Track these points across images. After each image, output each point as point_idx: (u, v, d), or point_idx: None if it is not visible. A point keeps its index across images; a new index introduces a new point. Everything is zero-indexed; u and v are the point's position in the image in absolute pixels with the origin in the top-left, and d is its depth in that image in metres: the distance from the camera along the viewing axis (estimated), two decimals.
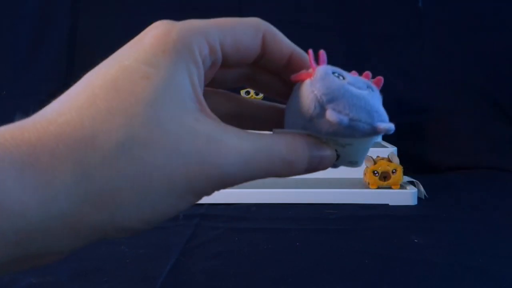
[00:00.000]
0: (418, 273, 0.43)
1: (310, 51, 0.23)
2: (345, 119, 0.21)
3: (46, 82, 0.93)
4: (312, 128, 0.22)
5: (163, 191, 0.19)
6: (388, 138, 0.83)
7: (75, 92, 0.19)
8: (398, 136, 0.88)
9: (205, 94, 0.21)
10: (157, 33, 0.20)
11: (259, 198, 0.66)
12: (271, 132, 0.23)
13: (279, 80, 0.26)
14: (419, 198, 0.67)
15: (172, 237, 0.53)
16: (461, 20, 0.95)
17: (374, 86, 0.23)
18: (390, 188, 0.66)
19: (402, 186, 0.68)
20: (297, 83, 0.23)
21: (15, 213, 0.16)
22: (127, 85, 0.19)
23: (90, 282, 0.42)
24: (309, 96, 0.21)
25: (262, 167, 0.21)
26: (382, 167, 0.66)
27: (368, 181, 0.67)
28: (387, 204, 0.66)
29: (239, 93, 0.59)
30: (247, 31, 0.22)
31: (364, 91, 0.22)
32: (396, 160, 0.66)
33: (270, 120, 0.26)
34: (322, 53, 0.23)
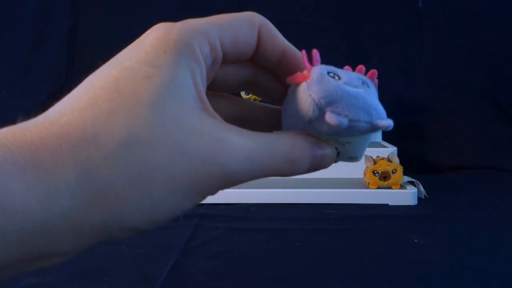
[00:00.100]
0: (418, 273, 0.43)
1: (304, 51, 0.23)
2: (345, 121, 0.21)
3: (46, 82, 0.93)
4: (312, 130, 0.22)
5: (167, 190, 0.18)
6: (388, 138, 0.83)
7: (77, 94, 0.19)
8: (398, 136, 0.89)
9: (208, 97, 0.21)
10: (157, 34, 0.20)
11: (259, 198, 0.66)
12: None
13: (280, 84, 0.26)
14: (419, 198, 0.67)
15: (172, 237, 0.53)
16: (461, 20, 0.96)
17: (369, 81, 0.23)
18: (390, 188, 0.66)
19: (402, 186, 0.68)
20: (293, 85, 0.23)
21: (17, 212, 0.16)
22: (129, 85, 0.19)
23: (90, 282, 0.42)
24: (307, 100, 0.21)
25: (266, 165, 0.21)
26: (382, 167, 0.66)
27: (368, 181, 0.67)
28: (387, 204, 0.66)
29: (239, 94, 0.59)
30: (244, 26, 0.23)
31: (360, 90, 0.22)
32: (396, 160, 0.66)
33: (274, 123, 0.26)
34: (316, 52, 0.23)
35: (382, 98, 0.23)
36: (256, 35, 0.23)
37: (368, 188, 0.67)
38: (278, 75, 0.25)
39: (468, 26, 0.95)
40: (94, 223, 0.18)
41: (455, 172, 0.89)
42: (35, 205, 0.16)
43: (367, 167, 0.67)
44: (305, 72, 0.22)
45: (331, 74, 0.22)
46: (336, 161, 0.25)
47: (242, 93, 0.65)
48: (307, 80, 0.22)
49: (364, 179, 0.69)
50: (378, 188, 0.67)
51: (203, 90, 0.21)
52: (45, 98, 0.90)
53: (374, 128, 0.22)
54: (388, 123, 0.22)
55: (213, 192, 0.20)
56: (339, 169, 0.74)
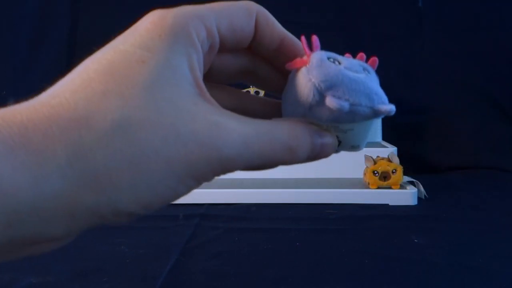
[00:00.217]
0: (418, 273, 0.43)
1: (303, 37, 0.23)
2: (346, 105, 0.21)
3: (46, 82, 0.93)
4: (312, 117, 0.22)
5: (162, 173, 0.18)
6: (388, 138, 0.83)
7: (70, 77, 0.19)
8: (398, 136, 0.89)
9: (207, 88, 0.21)
10: (153, 19, 0.20)
11: (259, 198, 0.66)
12: None
13: (279, 74, 0.25)
14: (419, 198, 0.67)
15: (172, 237, 0.53)
16: (461, 20, 0.96)
17: (369, 67, 0.23)
18: (390, 188, 0.66)
19: (402, 186, 0.68)
20: (292, 71, 0.23)
21: (6, 193, 0.16)
22: (123, 69, 0.18)
23: (90, 282, 0.42)
24: (307, 84, 0.21)
25: (263, 152, 0.20)
26: (382, 167, 0.66)
27: (368, 181, 0.67)
28: (387, 204, 0.66)
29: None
30: (241, 12, 0.22)
31: (361, 75, 0.22)
32: (396, 160, 0.66)
33: (272, 116, 0.25)
34: (315, 38, 0.22)
35: (379, 79, 0.23)
36: (253, 22, 0.23)
37: (368, 188, 0.67)
38: (276, 64, 0.25)
39: (468, 26, 0.95)
40: (87, 206, 0.17)
41: (455, 172, 0.90)
42: (24, 186, 0.16)
43: (367, 167, 0.67)
44: (304, 57, 0.22)
45: (331, 59, 0.22)
46: (337, 151, 0.24)
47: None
48: (307, 65, 0.21)
49: (364, 179, 0.69)
50: (378, 188, 0.67)
51: (199, 75, 0.20)
52: None
53: (375, 113, 0.22)
54: (390, 108, 0.22)
55: (208, 178, 0.20)
56: (339, 169, 0.74)
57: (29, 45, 0.95)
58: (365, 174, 0.68)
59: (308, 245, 0.50)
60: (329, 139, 0.23)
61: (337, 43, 0.94)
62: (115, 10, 0.95)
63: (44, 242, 0.18)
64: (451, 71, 0.96)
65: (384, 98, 0.22)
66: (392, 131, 0.86)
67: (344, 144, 0.24)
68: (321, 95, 0.21)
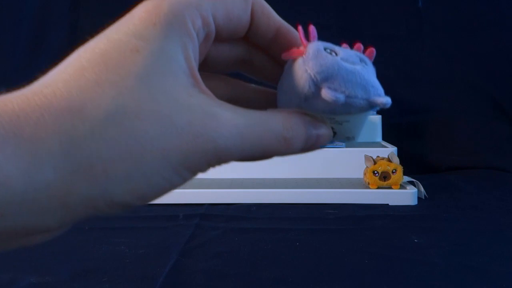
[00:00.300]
0: (418, 273, 0.43)
1: (300, 27, 0.22)
2: (342, 97, 0.20)
3: None
4: (307, 108, 0.22)
5: (156, 163, 0.18)
6: (388, 138, 0.83)
7: (63, 67, 0.19)
8: (398, 136, 0.89)
9: (202, 77, 0.21)
10: (147, 7, 0.20)
11: (259, 198, 0.66)
12: None
13: (275, 64, 0.25)
14: (419, 198, 0.67)
15: (172, 237, 0.53)
16: (461, 20, 0.96)
17: (367, 59, 0.23)
18: (390, 188, 0.67)
19: (402, 186, 0.68)
20: (289, 61, 0.22)
21: None
22: (117, 58, 0.18)
23: (90, 282, 0.42)
24: (303, 75, 0.21)
25: (258, 142, 0.20)
26: (382, 167, 0.66)
27: (368, 181, 0.67)
28: (387, 204, 0.66)
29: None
30: (237, 1, 0.22)
31: (358, 66, 0.21)
32: (396, 160, 0.66)
33: (267, 105, 0.25)
34: (312, 28, 0.22)
35: (375, 71, 0.23)
36: (250, 11, 0.22)
37: (368, 188, 0.67)
38: (273, 54, 0.25)
39: (468, 26, 0.95)
40: (80, 197, 0.17)
41: (455, 172, 0.90)
42: (16, 175, 0.16)
43: (367, 167, 0.67)
44: (301, 47, 0.22)
45: (328, 50, 0.22)
46: (332, 142, 0.24)
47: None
48: (303, 56, 0.21)
49: (364, 179, 0.69)
50: (378, 188, 0.67)
51: (195, 65, 0.20)
52: None
53: (371, 105, 0.21)
54: (386, 100, 0.21)
55: (203, 168, 0.20)
56: (339, 169, 0.74)
57: (29, 45, 0.95)
58: (365, 174, 0.68)
59: (308, 245, 0.50)
60: (324, 131, 0.22)
61: (337, 43, 0.94)
62: (115, 10, 0.95)
63: (37, 233, 0.18)
64: (451, 71, 0.96)
65: (381, 90, 0.22)
66: (392, 131, 0.86)
67: (339, 135, 0.23)
68: (316, 86, 0.21)
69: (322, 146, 0.23)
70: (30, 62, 0.95)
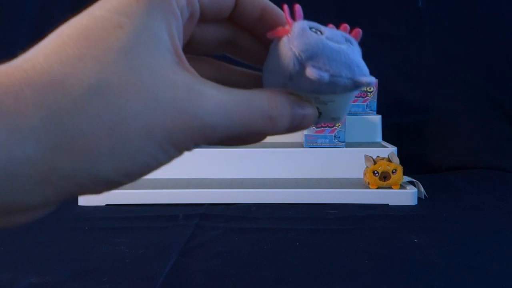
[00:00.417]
0: (418, 273, 0.43)
1: (285, 6, 0.22)
2: (326, 76, 0.20)
3: None
4: (292, 87, 0.22)
5: (141, 139, 0.18)
6: (388, 138, 0.83)
7: (44, 43, 0.18)
8: (398, 136, 0.88)
9: (188, 60, 0.20)
10: None
11: (259, 198, 0.66)
12: None
13: (261, 45, 0.25)
14: (419, 198, 0.67)
15: (172, 237, 0.53)
16: (461, 20, 0.96)
17: (352, 39, 0.23)
18: (390, 188, 0.67)
19: (402, 186, 0.68)
20: (274, 41, 0.22)
21: None
22: (99, 34, 0.18)
23: (90, 282, 0.42)
24: (288, 53, 0.21)
25: (244, 120, 0.20)
26: (382, 167, 0.66)
27: (368, 181, 0.67)
28: (387, 204, 0.66)
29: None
30: None
31: (343, 45, 0.21)
32: (396, 160, 0.66)
33: (253, 87, 0.25)
34: (298, 7, 0.22)
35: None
36: None
37: (368, 188, 0.67)
38: (258, 35, 0.25)
39: (468, 26, 0.95)
40: (63, 172, 0.17)
41: (455, 172, 0.90)
42: None
43: (367, 167, 0.67)
44: (286, 26, 0.22)
45: (314, 29, 0.21)
46: (317, 122, 0.24)
47: None
48: (288, 34, 0.21)
49: (364, 179, 0.69)
50: (378, 188, 0.67)
51: (179, 43, 0.20)
52: None
53: (356, 84, 0.21)
54: (371, 79, 0.21)
55: (189, 146, 0.19)
56: (339, 169, 0.74)
57: (29, 45, 0.95)
58: (365, 174, 0.68)
59: (308, 245, 0.50)
60: (309, 110, 0.22)
61: None
62: None
63: (20, 211, 0.17)
64: (451, 71, 0.96)
65: (365, 70, 0.22)
66: (392, 131, 0.86)
67: (325, 115, 0.23)
68: (301, 65, 0.21)
69: (307, 126, 0.23)
70: None
